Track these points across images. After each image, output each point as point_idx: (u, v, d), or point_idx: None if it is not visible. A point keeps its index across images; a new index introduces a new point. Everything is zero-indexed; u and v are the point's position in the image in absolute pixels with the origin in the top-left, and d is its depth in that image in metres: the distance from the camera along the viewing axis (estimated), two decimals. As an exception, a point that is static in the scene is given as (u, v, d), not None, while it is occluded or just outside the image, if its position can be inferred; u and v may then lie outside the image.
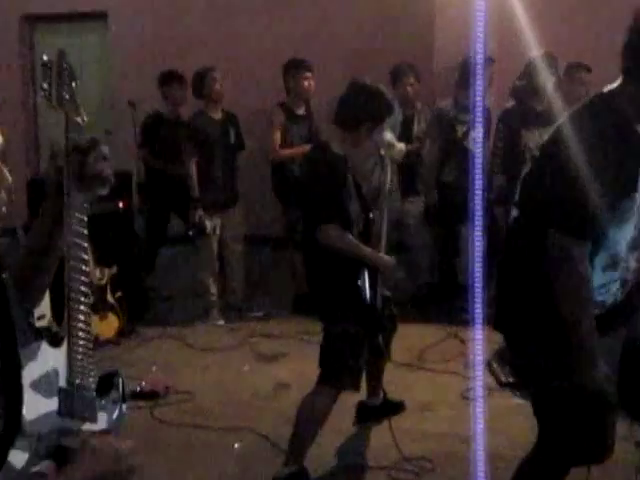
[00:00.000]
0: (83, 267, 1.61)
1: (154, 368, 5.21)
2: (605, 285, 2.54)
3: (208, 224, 5.87)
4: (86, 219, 1.61)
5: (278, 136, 6.14)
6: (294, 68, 6.26)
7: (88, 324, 1.63)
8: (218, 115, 6.10)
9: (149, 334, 5.96)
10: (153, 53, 8.05)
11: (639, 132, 2.48)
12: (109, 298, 5.54)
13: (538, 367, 2.63)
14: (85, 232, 1.62)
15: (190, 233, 5.99)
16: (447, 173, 6.01)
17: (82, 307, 1.61)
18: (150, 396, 4.68)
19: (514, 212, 2.74)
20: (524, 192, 2.69)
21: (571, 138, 2.47)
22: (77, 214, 1.60)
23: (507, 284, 2.71)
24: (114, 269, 5.41)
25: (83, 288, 1.61)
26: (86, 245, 1.61)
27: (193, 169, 5.87)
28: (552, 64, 5.71)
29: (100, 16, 8.42)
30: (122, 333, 5.70)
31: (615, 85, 2.49)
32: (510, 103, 6.09)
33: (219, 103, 6.10)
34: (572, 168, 2.40)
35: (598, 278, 2.49)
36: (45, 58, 1.65)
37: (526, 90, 5.83)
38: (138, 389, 4.62)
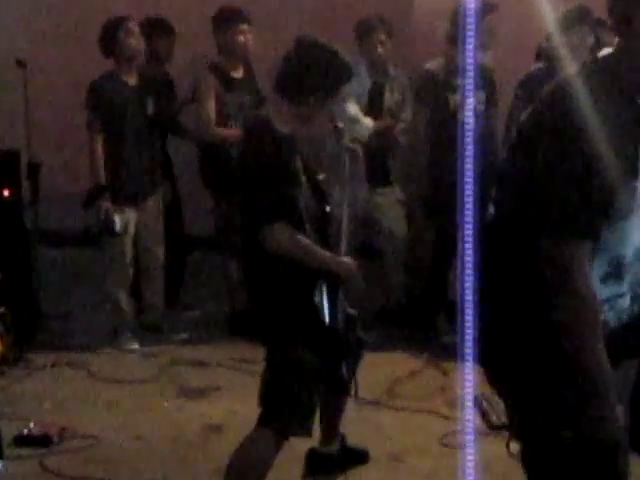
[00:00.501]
0: None
1: (47, 405, 4.66)
2: (609, 301, 2.32)
3: (117, 220, 5.13)
4: None
5: (212, 106, 5.50)
6: (225, 21, 5.61)
7: None
8: (133, 80, 5.36)
9: (41, 361, 5.26)
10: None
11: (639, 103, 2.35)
12: (-12, 316, 5.11)
13: (532, 410, 2.35)
14: None
15: (95, 231, 5.35)
16: (439, 154, 5.40)
17: None
18: (41, 442, 4.21)
19: (491, 209, 2.50)
20: (506, 178, 2.49)
21: (571, 100, 2.23)
22: None
23: (492, 302, 2.41)
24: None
25: None
26: None
27: (99, 149, 5.15)
28: (589, 19, 5.27)
29: None
30: (6, 360, 5.11)
31: (614, 48, 2.35)
32: (536, 65, 5.56)
33: (134, 63, 5.36)
34: (569, 138, 2.20)
35: (597, 292, 2.29)
36: None
37: (557, 50, 5.14)
38: (25, 432, 4.11)
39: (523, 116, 2.49)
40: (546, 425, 2.33)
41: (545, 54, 5.42)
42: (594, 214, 2.21)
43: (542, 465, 2.37)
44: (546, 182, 2.24)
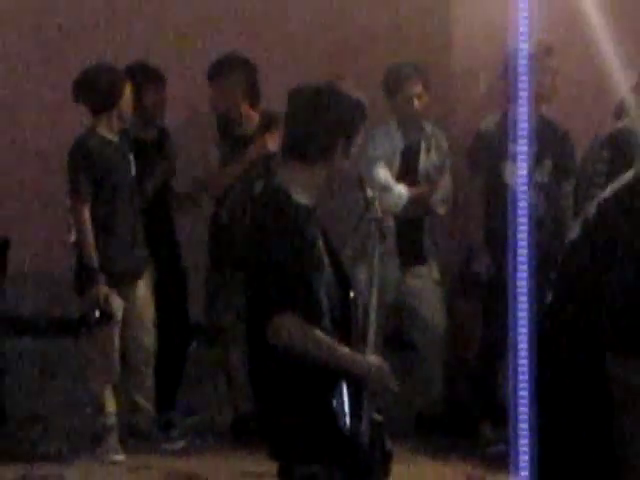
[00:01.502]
0: None
1: None
2: None
3: (116, 306, 4.80)
4: None
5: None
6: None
7: None
8: (114, 138, 5.06)
9: (8, 476, 4.87)
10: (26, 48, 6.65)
11: None
12: None
13: None
14: None
15: (92, 319, 4.76)
16: (492, 232, 4.94)
17: None
18: None
19: (549, 297, 2.48)
20: (579, 264, 2.43)
21: None
22: None
23: (548, 412, 2.34)
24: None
25: None
26: None
27: (88, 221, 4.69)
28: None
29: None
30: None
31: None
32: (616, 124, 5.10)
33: (123, 116, 5.05)
34: None
35: None
36: None
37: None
38: None
39: (608, 190, 2.44)
40: None
41: (625, 110, 5.05)
42: None
43: None
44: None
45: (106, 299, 4.80)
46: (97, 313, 4.80)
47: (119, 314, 4.96)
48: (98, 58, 5.53)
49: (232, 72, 5.42)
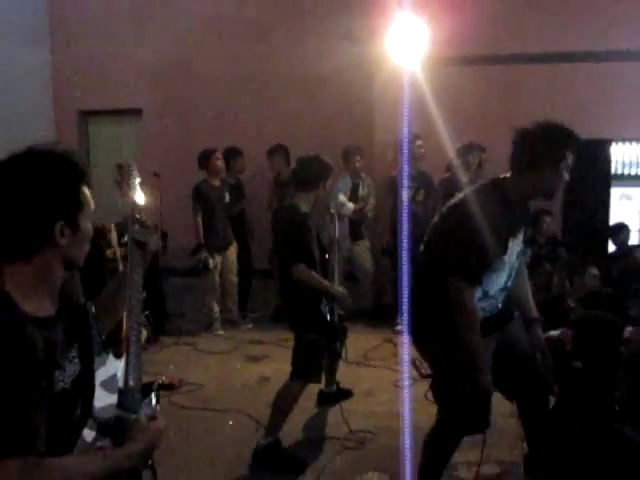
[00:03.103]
0: (138, 309, 1.79)
1: (172, 367, 5.65)
2: (483, 309, 2.98)
3: (211, 262, 6.57)
4: (141, 279, 1.83)
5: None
6: (270, 153, 7.23)
7: (139, 342, 1.78)
8: (217, 183, 6.84)
9: (168, 342, 6.53)
10: (173, 138, 9.12)
11: (516, 211, 2.89)
12: (138, 315, 6.13)
13: (441, 367, 3.04)
14: (141, 288, 1.81)
15: (197, 268, 6.63)
16: (394, 224, 6.14)
17: (136, 334, 1.76)
18: (168, 387, 5.04)
19: (420, 248, 3.09)
20: (431, 239, 3.03)
21: (470, 207, 2.79)
22: (136, 276, 1.81)
23: (420, 308, 2.99)
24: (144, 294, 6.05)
25: (137, 323, 1.78)
26: (141, 296, 1.80)
27: (199, 222, 6.60)
28: (473, 150, 6.55)
29: (136, 111, 9.59)
30: (148, 341, 6.14)
31: (506, 175, 2.93)
32: (446, 174, 6.83)
33: (218, 174, 6.85)
34: (469, 231, 2.73)
35: (477, 305, 2.89)
36: (119, 161, 1.98)
37: (457, 167, 6.52)
38: (160, 382, 4.80)
39: (443, 208, 3.03)
40: (450, 380, 2.91)
41: (452, 167, 6.66)
42: (479, 271, 2.77)
43: (446, 397, 3.01)
44: (455, 252, 2.78)
45: (205, 259, 6.51)
46: (201, 265, 6.55)
47: (218, 265, 6.68)
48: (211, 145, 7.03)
49: (279, 152, 7.26)
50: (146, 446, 1.67)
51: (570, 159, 2.80)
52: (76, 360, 1.65)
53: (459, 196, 2.96)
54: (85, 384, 1.69)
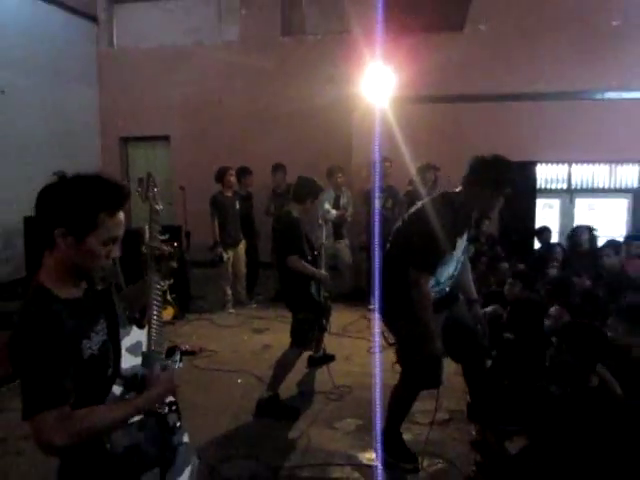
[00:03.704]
0: (157, 296, 1.80)
1: (194, 337, 5.67)
2: (433, 293, 2.99)
3: (224, 255, 6.50)
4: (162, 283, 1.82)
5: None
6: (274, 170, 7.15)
7: (160, 316, 1.78)
8: (230, 194, 6.71)
9: (191, 318, 6.44)
10: (195, 159, 9.01)
11: (461, 217, 2.86)
12: (168, 297, 5.98)
13: (402, 336, 3.09)
14: (161, 282, 1.82)
15: (214, 260, 6.57)
16: (368, 226, 6.07)
17: (156, 310, 1.77)
18: (191, 353, 5.09)
19: (387, 245, 3.06)
20: (396, 238, 3.03)
21: (427, 213, 2.82)
22: (154, 276, 1.82)
23: (387, 292, 3.00)
24: (171, 281, 5.93)
25: (156, 305, 1.78)
26: (162, 287, 1.83)
27: (216, 225, 6.48)
28: (429, 169, 6.54)
29: (165, 138, 9.52)
30: (176, 317, 6.21)
31: (457, 189, 2.95)
32: (409, 187, 6.82)
33: (231, 187, 6.75)
34: (426, 232, 2.76)
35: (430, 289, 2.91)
36: (140, 176, 1.95)
37: (417, 182, 6.50)
38: (184, 349, 4.88)
39: (406, 215, 2.99)
40: (409, 346, 2.95)
41: (413, 182, 6.63)
42: (433, 264, 2.82)
43: (407, 359, 3.01)
44: (415, 249, 2.78)
45: (220, 253, 6.39)
46: (218, 258, 6.43)
47: (231, 258, 6.54)
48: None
49: (279, 169, 7.16)
50: (159, 392, 1.67)
51: (506, 190, 2.81)
52: (103, 332, 1.65)
53: (418, 205, 2.98)
54: (113, 350, 1.69)
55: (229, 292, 6.78)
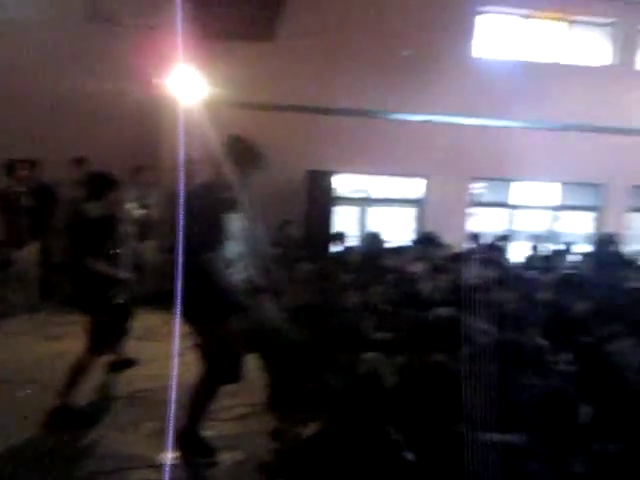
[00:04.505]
0: None
1: None
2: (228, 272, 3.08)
3: (13, 256, 6.25)
4: None
5: None
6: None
7: None
8: (19, 189, 6.46)
9: None
10: None
11: (228, 199, 3.01)
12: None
13: (205, 336, 3.23)
14: None
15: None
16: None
17: None
18: None
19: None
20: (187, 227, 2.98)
21: (196, 201, 2.92)
22: None
23: (189, 294, 2.97)
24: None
25: None
26: None
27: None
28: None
29: None
30: None
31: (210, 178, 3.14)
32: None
33: (22, 181, 6.46)
34: (205, 216, 2.95)
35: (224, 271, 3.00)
36: None
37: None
38: None
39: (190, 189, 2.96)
40: (210, 345, 3.16)
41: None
42: (218, 246, 3.00)
43: (210, 361, 3.13)
44: (203, 234, 2.85)
45: (6, 254, 6.12)
46: (1, 260, 6.01)
47: (21, 259, 6.29)
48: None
49: (79, 163, 7.01)
50: None
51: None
52: None
53: (197, 185, 3.20)
54: None
55: (17, 297, 6.61)
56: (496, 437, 2.42)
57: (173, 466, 3.19)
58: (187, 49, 5.77)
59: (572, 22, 10.04)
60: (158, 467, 3.25)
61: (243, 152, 3.35)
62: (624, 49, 10.12)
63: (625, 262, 7.34)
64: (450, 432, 2.54)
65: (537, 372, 2.83)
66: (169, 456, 3.29)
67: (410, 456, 2.58)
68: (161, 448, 3.42)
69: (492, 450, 2.29)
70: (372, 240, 6.96)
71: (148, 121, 7.73)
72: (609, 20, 10.08)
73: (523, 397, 2.56)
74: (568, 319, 3.86)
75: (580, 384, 2.80)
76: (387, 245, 7.32)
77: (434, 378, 2.92)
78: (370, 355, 3.18)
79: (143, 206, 7.00)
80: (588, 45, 10.15)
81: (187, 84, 6.49)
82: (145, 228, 7.04)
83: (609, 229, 9.82)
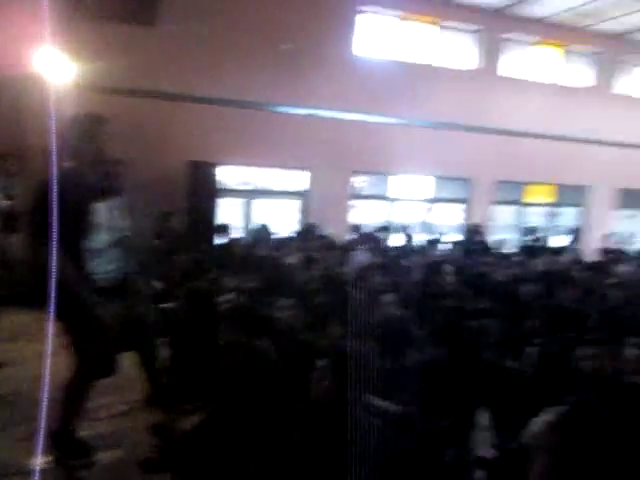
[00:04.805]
0: None
1: None
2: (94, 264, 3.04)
3: None
4: None
5: None
6: None
7: None
8: None
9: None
10: None
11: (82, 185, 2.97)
12: None
13: (73, 331, 3.09)
14: None
15: None
16: None
17: None
18: None
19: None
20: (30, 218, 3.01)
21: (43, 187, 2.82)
22: None
23: (56, 290, 2.79)
24: None
25: None
26: None
27: None
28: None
29: None
30: None
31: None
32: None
33: None
34: (71, 206, 2.86)
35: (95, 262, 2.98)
36: None
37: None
38: None
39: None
40: (80, 339, 3.04)
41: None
42: (84, 236, 2.95)
43: (81, 355, 3.05)
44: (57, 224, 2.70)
45: None
46: None
47: None
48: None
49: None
50: None
51: None
52: None
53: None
54: None
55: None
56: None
57: (47, 470, 3.08)
58: (56, 30, 5.63)
59: (443, 27, 10.60)
60: (30, 473, 3.13)
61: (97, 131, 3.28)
62: (489, 55, 10.84)
63: (488, 250, 8.16)
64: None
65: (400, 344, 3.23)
66: (41, 460, 3.17)
67: (296, 435, 2.71)
68: (33, 451, 3.24)
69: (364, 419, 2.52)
70: (259, 232, 7.04)
71: (11, 105, 7.31)
72: (476, 27, 10.75)
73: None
74: (433, 295, 4.40)
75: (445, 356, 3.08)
76: (273, 237, 7.48)
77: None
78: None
79: (7, 197, 6.30)
80: (457, 49, 10.74)
81: (56, 67, 6.15)
82: (10, 220, 6.30)
83: (476, 220, 10.59)
